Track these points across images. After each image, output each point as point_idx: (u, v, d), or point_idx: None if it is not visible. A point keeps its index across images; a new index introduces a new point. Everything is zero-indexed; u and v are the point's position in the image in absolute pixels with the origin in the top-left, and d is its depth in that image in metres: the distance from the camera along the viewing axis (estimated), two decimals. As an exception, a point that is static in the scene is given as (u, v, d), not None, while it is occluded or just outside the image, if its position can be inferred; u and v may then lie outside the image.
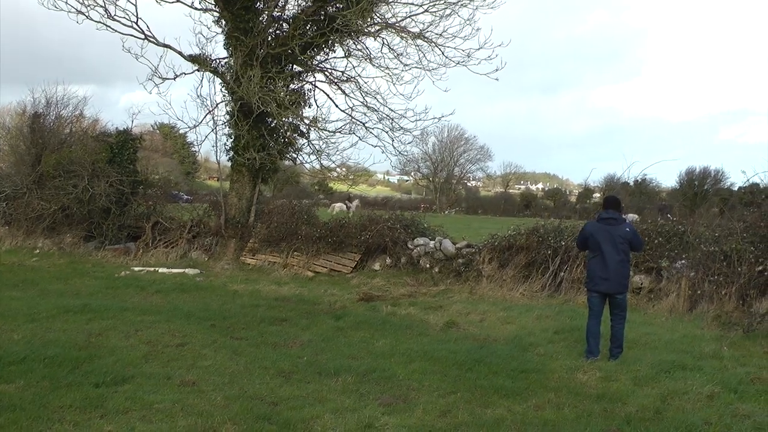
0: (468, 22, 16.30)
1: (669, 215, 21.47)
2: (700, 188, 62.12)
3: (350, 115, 18.09)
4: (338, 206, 40.49)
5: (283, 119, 17.43)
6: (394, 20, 16.82)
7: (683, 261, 12.35)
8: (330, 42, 17.34)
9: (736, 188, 55.34)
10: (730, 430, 6.02)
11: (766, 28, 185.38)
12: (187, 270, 15.77)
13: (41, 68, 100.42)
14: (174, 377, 7.17)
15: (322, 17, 16.82)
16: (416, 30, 16.69)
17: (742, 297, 11.12)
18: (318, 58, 18.11)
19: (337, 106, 18.46)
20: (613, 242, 8.42)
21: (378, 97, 17.77)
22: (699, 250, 12.19)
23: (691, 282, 11.79)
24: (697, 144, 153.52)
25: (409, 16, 16.66)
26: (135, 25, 16.59)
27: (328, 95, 18.51)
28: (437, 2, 16.32)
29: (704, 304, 11.35)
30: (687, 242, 12.74)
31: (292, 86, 17.79)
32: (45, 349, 7.77)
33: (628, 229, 8.56)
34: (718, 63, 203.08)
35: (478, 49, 16.40)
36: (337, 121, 18.52)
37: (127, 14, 16.45)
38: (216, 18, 17.42)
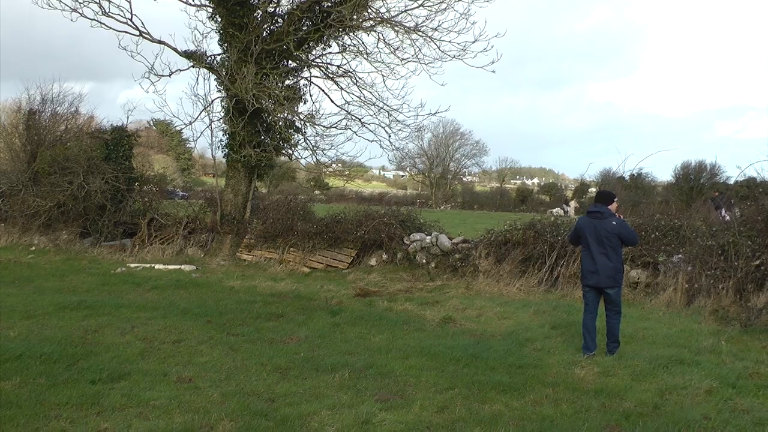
0: (463, 16, 16.28)
1: (721, 211, 20.62)
2: (696, 182, 62.09)
3: (346, 110, 18.07)
4: (555, 211, 39.93)
5: (279, 115, 17.40)
6: (389, 15, 16.79)
7: (680, 255, 12.35)
8: (325, 37, 17.29)
9: (732, 182, 55.42)
10: (729, 425, 6.02)
11: (764, 26, 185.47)
12: (183, 266, 15.74)
13: (42, 65, 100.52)
14: (170, 374, 7.15)
15: (316, 12, 16.77)
16: (411, 24, 16.66)
17: (739, 291, 11.12)
18: (313, 53, 18.06)
19: (332, 101, 18.46)
20: (597, 236, 8.37)
21: (374, 91, 17.76)
22: (696, 244, 12.19)
23: (688, 276, 11.79)
24: (695, 140, 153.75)
25: (404, 11, 16.62)
26: (129, 22, 16.56)
27: (323, 90, 18.49)
28: (432, -4, 16.29)
29: (701, 299, 11.35)
30: (683, 236, 12.75)
31: (287, 82, 17.75)
32: (41, 346, 7.76)
33: (614, 223, 8.41)
34: (716, 59, 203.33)
35: (474, 41, 16.39)
36: (332, 116, 18.53)
37: (122, 11, 16.44)
38: (210, 14, 17.37)
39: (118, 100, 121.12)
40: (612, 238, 8.36)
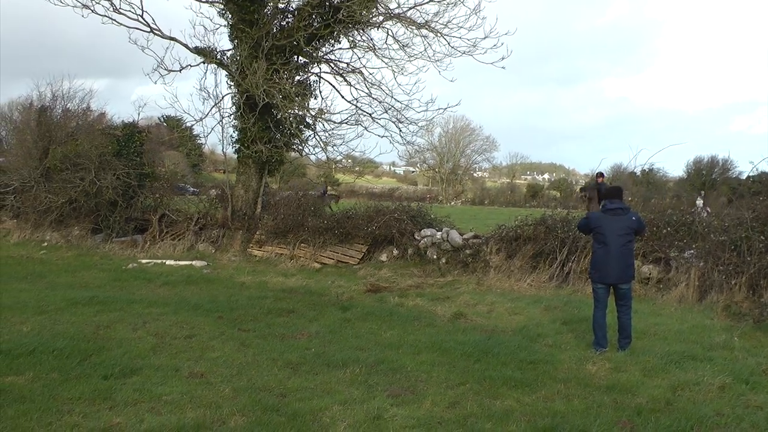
0: (474, 11, 16.23)
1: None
2: (708, 177, 61.78)
3: (356, 106, 18.06)
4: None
5: (289, 111, 17.40)
6: (399, 11, 16.76)
7: (692, 251, 12.28)
8: (335, 33, 17.27)
9: (744, 177, 55.10)
10: (742, 421, 5.98)
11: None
12: (194, 262, 15.79)
13: (59, 61, 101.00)
14: (182, 369, 7.17)
15: (326, 8, 16.74)
16: (421, 20, 16.62)
17: (752, 287, 11.06)
18: (323, 49, 18.06)
19: (342, 96, 18.47)
20: (620, 233, 8.36)
21: (383, 87, 17.74)
22: (708, 239, 12.13)
23: (701, 272, 11.73)
24: (708, 135, 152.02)
25: (414, 7, 16.59)
26: (141, 18, 16.62)
27: (333, 86, 18.48)
28: (442, -8, 16.24)
29: (714, 294, 11.30)
30: (695, 232, 12.69)
31: (297, 78, 17.75)
32: (54, 341, 7.79)
33: (634, 218, 8.51)
34: (731, 54, 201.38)
35: (484, 38, 16.36)
36: (342, 112, 18.50)
37: (133, 7, 16.50)
38: (221, 10, 17.40)
39: (132, 97, 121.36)
40: (631, 234, 8.39)
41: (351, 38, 17.71)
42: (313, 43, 17.19)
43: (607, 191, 9.03)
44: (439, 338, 8.88)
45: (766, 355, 8.34)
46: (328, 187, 43.05)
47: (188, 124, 19.96)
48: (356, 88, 18.04)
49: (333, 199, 36.19)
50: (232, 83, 17.47)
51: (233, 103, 17.77)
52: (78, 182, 18.08)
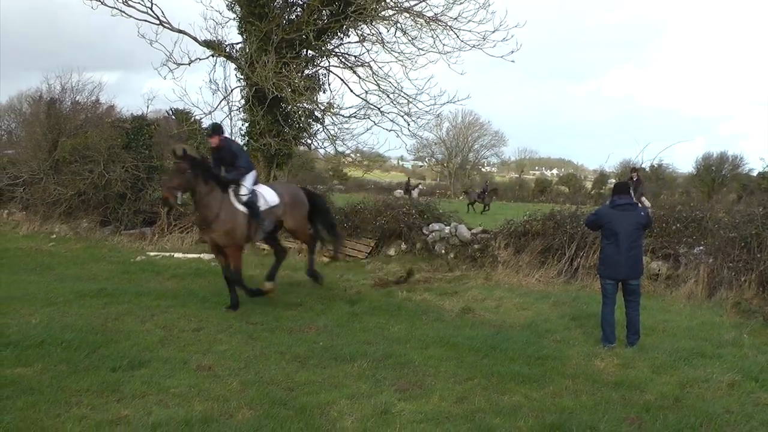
0: (483, 6, 16.16)
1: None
2: (718, 174, 61.53)
3: (365, 100, 18.00)
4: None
5: (298, 105, 17.37)
6: (408, 4, 16.70)
7: (701, 247, 12.23)
8: (344, 27, 17.24)
9: (755, 174, 54.92)
10: (752, 419, 5.95)
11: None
12: (202, 255, 15.76)
13: (72, 55, 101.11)
14: (190, 362, 7.19)
15: (336, 1, 16.71)
16: (431, 14, 16.56)
17: (762, 284, 11.00)
18: (332, 42, 18.01)
19: (351, 90, 18.37)
20: (630, 229, 8.33)
21: (392, 80, 17.67)
22: (718, 236, 12.07)
23: (710, 268, 11.68)
24: (716, 132, 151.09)
25: (423, 0, 16.54)
26: (150, 11, 16.58)
27: (342, 80, 18.43)
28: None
29: (723, 291, 11.24)
30: (705, 228, 12.63)
31: (306, 71, 17.71)
32: (62, 333, 7.81)
33: (643, 213, 8.54)
34: (741, 50, 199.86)
35: (494, 31, 16.27)
36: (351, 106, 18.47)
37: (142, 0, 16.45)
38: (230, 3, 17.36)
39: (142, 90, 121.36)
40: (640, 229, 8.39)
41: (360, 32, 17.67)
42: (322, 37, 17.14)
43: (614, 187, 8.98)
44: (447, 333, 8.86)
45: (776, 352, 8.30)
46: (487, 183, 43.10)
47: (197, 117, 19.83)
48: (365, 82, 18.00)
49: (495, 196, 36.68)
50: (242, 76, 17.46)
51: (242, 97, 17.76)
52: (87, 174, 18.11)
